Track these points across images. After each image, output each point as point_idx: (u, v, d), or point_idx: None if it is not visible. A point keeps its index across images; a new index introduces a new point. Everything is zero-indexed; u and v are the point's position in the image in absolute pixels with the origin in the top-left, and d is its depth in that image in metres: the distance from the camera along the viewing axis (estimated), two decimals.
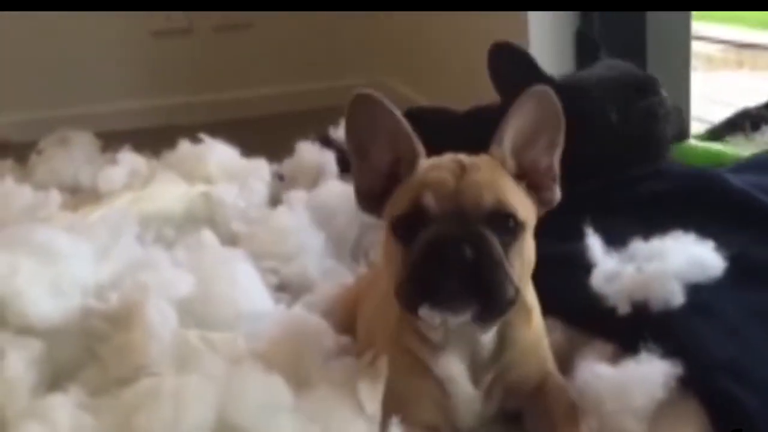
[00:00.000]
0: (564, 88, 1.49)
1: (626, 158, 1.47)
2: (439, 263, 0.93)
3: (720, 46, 3.51)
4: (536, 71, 1.52)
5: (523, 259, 0.99)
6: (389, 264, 1.01)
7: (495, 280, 0.94)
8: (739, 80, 3.26)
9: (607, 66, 1.59)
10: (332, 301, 1.43)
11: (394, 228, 0.99)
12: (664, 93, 1.51)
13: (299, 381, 1.14)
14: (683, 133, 1.54)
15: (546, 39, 2.17)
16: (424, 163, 1.03)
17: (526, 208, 1.01)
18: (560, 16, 2.18)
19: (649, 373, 1.03)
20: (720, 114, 1.92)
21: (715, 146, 1.59)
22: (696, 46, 2.28)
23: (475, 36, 2.53)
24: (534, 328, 1.09)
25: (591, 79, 1.53)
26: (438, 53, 2.86)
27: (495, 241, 0.95)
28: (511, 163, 1.03)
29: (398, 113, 1.03)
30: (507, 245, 0.96)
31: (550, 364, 1.12)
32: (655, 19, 2.04)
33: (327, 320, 1.31)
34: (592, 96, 1.48)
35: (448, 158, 1.03)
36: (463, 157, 1.02)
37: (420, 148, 1.04)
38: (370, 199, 1.08)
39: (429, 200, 0.95)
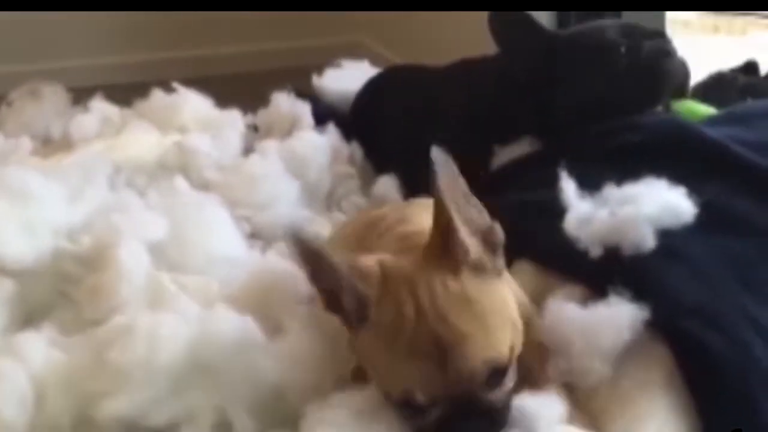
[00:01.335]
0: (571, 36, 1.54)
1: (631, 98, 1.47)
2: None
3: (697, 12, 3.51)
4: (537, 31, 1.54)
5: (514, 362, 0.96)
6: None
7: (502, 425, 0.94)
8: (715, 45, 3.27)
9: (602, 22, 1.62)
10: None
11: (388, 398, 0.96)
12: (670, 40, 1.53)
13: (271, 325, 1.15)
14: (686, 83, 1.54)
15: None
16: (385, 315, 0.94)
17: (502, 316, 0.95)
18: None
19: (617, 316, 1.04)
20: (696, 77, 1.93)
21: (705, 108, 1.59)
22: (673, 12, 2.28)
23: None
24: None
25: (599, 23, 1.56)
26: (417, 13, 2.84)
27: (497, 394, 0.93)
28: (472, 245, 0.95)
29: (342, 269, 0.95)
30: (505, 379, 0.94)
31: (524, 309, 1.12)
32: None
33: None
34: (602, 33, 1.50)
35: (424, 322, 0.91)
36: (432, 308, 0.91)
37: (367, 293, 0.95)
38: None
39: (421, 398, 0.91)
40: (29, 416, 1.07)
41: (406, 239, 1.06)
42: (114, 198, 1.50)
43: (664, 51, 1.49)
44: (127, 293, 1.23)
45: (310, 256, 0.95)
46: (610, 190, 1.19)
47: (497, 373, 0.92)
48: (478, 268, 0.94)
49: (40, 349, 1.14)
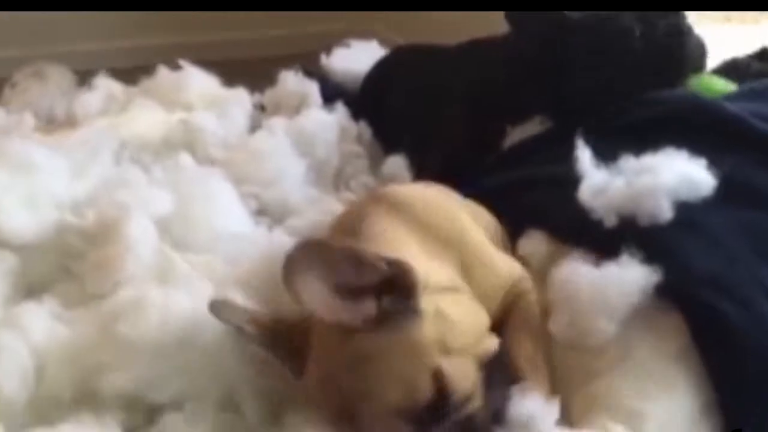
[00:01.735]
0: (584, 17, 1.48)
1: (648, 82, 1.44)
2: None
3: None
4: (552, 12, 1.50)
5: (456, 383, 0.94)
6: None
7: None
8: (728, 34, 3.24)
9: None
10: (320, 229, 1.40)
11: None
12: (686, 23, 1.49)
13: (276, 305, 1.12)
14: (702, 59, 1.51)
15: None
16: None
17: (416, 354, 0.93)
18: None
19: (628, 276, 1.02)
20: (709, 66, 1.91)
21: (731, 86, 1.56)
22: None
23: None
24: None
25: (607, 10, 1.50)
26: None
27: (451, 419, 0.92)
28: (353, 317, 0.93)
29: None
30: (447, 406, 0.92)
31: (513, 277, 1.13)
32: None
33: None
34: (615, 15, 1.46)
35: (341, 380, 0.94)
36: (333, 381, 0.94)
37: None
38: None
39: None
40: (30, 390, 1.05)
41: None
42: (119, 173, 1.47)
43: (680, 30, 1.46)
44: (134, 268, 1.21)
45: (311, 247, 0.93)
46: (627, 161, 1.17)
47: (429, 412, 0.90)
48: (383, 320, 0.92)
49: (41, 322, 1.13)
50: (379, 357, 0.91)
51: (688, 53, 1.47)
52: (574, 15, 1.49)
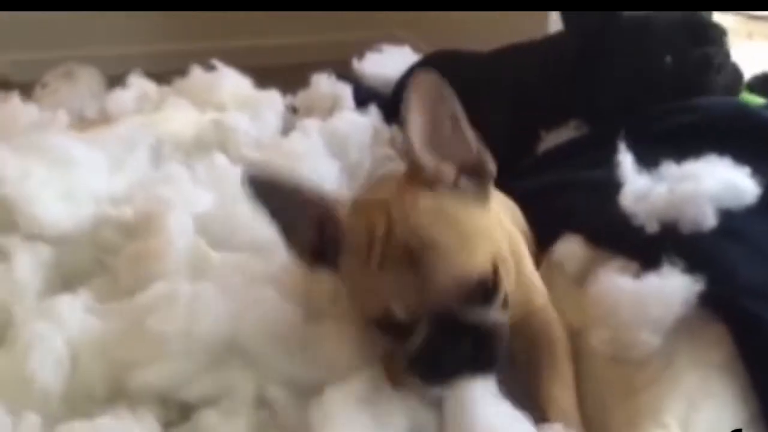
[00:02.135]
0: (625, 26, 1.50)
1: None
2: (437, 363, 0.91)
3: (730, 17, 3.48)
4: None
5: (505, 285, 0.95)
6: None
7: (494, 350, 0.93)
8: (752, 50, 3.23)
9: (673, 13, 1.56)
10: None
11: (371, 325, 0.95)
12: (725, 43, 1.49)
13: (309, 311, 1.12)
14: (736, 89, 1.50)
15: None
16: (359, 237, 0.94)
17: (482, 237, 0.94)
18: None
19: (669, 287, 1.01)
20: None
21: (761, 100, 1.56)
22: None
23: None
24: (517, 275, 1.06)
25: (654, 18, 1.51)
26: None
27: (481, 314, 0.91)
28: (435, 168, 0.95)
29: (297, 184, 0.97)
30: (491, 299, 0.92)
31: (539, 299, 1.11)
32: None
33: None
34: (650, 35, 1.47)
35: (396, 238, 0.91)
36: (408, 225, 0.91)
37: (335, 205, 0.97)
38: (311, 257, 1.01)
39: (399, 312, 0.90)
40: (64, 380, 1.05)
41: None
42: (157, 169, 1.48)
43: (707, 62, 1.45)
44: (172, 262, 1.21)
45: (268, 190, 0.96)
46: (669, 167, 1.15)
47: (478, 292, 0.90)
48: (458, 192, 0.94)
49: (76, 315, 1.13)
50: (456, 218, 0.92)
51: (715, 88, 1.46)
52: (619, 17, 1.49)
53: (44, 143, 1.38)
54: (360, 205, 0.97)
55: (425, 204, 0.92)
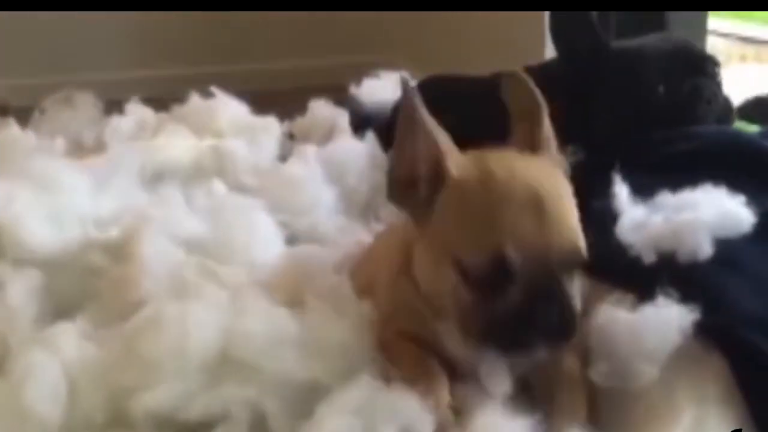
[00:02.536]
0: (619, 54, 1.51)
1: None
2: (526, 327, 0.88)
3: (723, 40, 3.51)
4: (595, 35, 1.52)
5: None
6: (437, 284, 0.94)
7: (574, 329, 0.92)
8: (745, 73, 3.26)
9: (661, 38, 1.58)
10: (351, 260, 1.39)
11: (464, 271, 0.89)
12: (718, 74, 1.50)
13: (301, 310, 1.12)
14: (726, 120, 1.51)
15: None
16: (470, 172, 0.94)
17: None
18: None
19: (665, 317, 1.00)
20: None
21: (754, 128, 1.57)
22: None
23: (489, 16, 2.52)
24: None
25: (645, 49, 1.51)
26: (449, 32, 2.84)
27: (573, 290, 0.91)
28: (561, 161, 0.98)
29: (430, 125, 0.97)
30: (574, 279, 0.92)
31: None
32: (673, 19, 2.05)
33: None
34: (644, 67, 1.47)
35: (518, 178, 0.90)
36: (529, 173, 0.92)
37: (446, 148, 0.97)
38: (404, 189, 0.98)
39: (513, 256, 0.85)
40: (63, 412, 1.04)
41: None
42: (147, 194, 1.48)
43: (698, 94, 1.45)
44: (151, 284, 1.21)
45: (408, 112, 0.96)
46: (665, 197, 1.16)
47: (579, 261, 0.89)
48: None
49: (72, 342, 1.12)
50: (565, 185, 0.97)
51: (705, 118, 1.46)
52: (614, 46, 1.50)
53: (30, 168, 1.38)
54: (474, 155, 0.97)
55: (542, 164, 0.94)
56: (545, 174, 0.92)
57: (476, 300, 0.89)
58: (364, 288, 1.23)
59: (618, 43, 1.55)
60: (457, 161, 0.95)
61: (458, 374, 1.00)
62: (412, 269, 1.01)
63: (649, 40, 1.57)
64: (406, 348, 1.04)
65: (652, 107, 1.45)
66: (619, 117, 1.47)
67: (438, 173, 0.93)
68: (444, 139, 0.97)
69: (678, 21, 2.06)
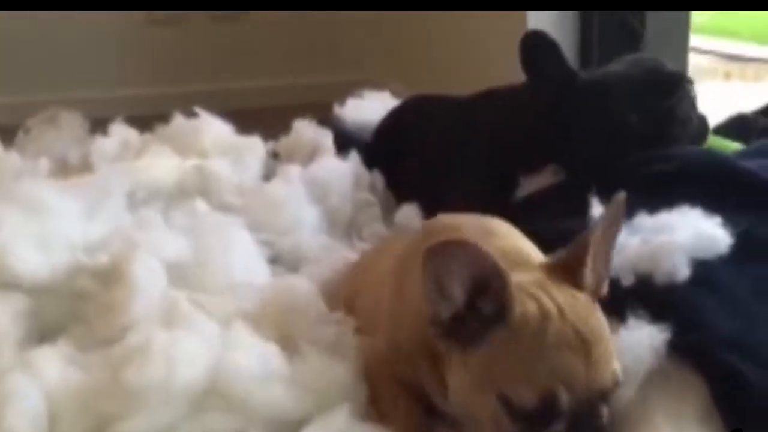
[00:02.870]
0: (587, 85, 1.51)
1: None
2: None
3: (708, 57, 3.54)
4: (564, 64, 1.53)
5: None
6: (474, 407, 0.95)
7: None
8: (729, 91, 3.28)
9: (632, 62, 1.57)
10: (335, 278, 1.41)
11: (510, 403, 0.90)
12: (690, 92, 1.50)
13: (289, 347, 1.13)
14: (702, 138, 1.53)
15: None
16: (529, 311, 0.91)
17: None
18: (560, 17, 2.18)
19: (636, 338, 1.02)
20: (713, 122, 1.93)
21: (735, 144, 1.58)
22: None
23: (473, 32, 2.54)
24: None
25: (614, 77, 1.52)
26: (435, 49, 2.85)
27: (606, 415, 0.92)
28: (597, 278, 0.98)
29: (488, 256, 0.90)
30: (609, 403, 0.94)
31: None
32: (653, 32, 2.07)
33: (327, 296, 1.30)
34: (614, 96, 1.48)
35: (569, 321, 0.91)
36: (579, 315, 0.92)
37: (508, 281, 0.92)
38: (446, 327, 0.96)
39: (563, 397, 0.88)
40: None
41: (507, 254, 1.01)
42: (132, 216, 1.48)
43: (671, 117, 1.47)
44: (140, 311, 1.20)
45: (459, 245, 0.91)
46: (643, 219, 1.17)
47: (615, 390, 0.92)
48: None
49: (55, 367, 1.12)
50: (602, 319, 0.96)
51: (681, 139, 1.48)
52: (580, 77, 1.50)
53: (18, 192, 1.38)
54: (519, 285, 0.94)
55: (584, 301, 0.94)
56: (591, 314, 0.94)
57: (519, 430, 0.91)
58: (348, 301, 1.27)
59: (588, 74, 1.55)
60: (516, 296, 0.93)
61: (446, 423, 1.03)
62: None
63: (619, 67, 1.57)
64: (397, 393, 1.07)
65: (626, 136, 1.46)
66: (594, 144, 1.48)
67: (498, 308, 0.92)
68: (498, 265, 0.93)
69: (658, 38, 2.08)
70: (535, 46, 1.53)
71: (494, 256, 0.90)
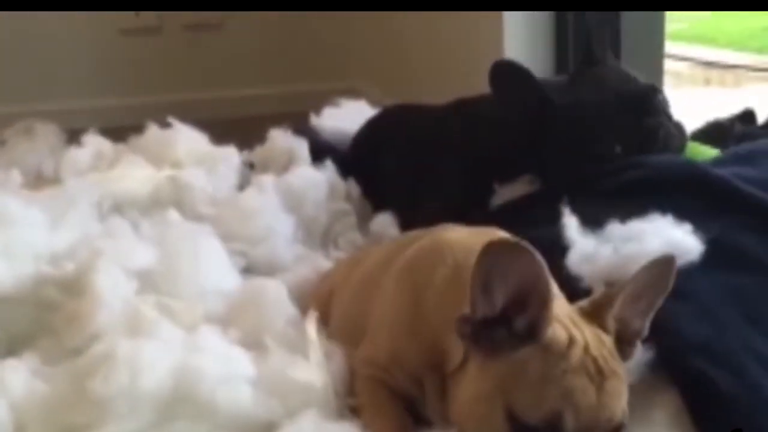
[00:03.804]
0: (564, 112, 1.48)
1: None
2: None
3: (687, 64, 3.57)
4: (538, 90, 1.50)
5: None
6: (476, 416, 0.94)
7: None
8: (708, 97, 3.30)
9: (599, 85, 1.53)
10: (308, 288, 1.41)
11: (514, 418, 0.90)
12: (663, 103, 1.49)
13: (257, 346, 1.13)
14: (682, 148, 1.52)
15: (521, 40, 2.17)
16: (558, 335, 0.91)
17: None
18: (536, 17, 2.19)
19: None
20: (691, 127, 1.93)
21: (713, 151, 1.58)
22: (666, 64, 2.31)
23: (450, 39, 2.54)
24: None
25: (590, 107, 1.49)
26: (412, 57, 2.86)
27: None
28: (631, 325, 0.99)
29: (542, 269, 0.90)
30: None
31: None
32: (629, 36, 2.07)
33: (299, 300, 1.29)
34: (594, 125, 1.46)
35: (591, 354, 0.91)
36: (600, 350, 0.93)
37: (550, 301, 0.91)
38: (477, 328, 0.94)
39: (569, 421, 0.88)
40: None
41: None
42: (98, 226, 1.47)
43: (653, 138, 1.44)
44: (104, 320, 1.19)
45: (520, 250, 0.90)
46: (614, 227, 1.17)
47: (618, 427, 0.91)
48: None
49: (21, 379, 1.10)
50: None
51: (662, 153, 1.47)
52: (555, 100, 1.49)
53: None
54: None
55: (607, 341, 0.94)
56: (612, 354, 0.94)
57: None
58: (322, 306, 1.26)
59: (562, 100, 1.50)
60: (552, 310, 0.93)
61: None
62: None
63: (590, 93, 1.52)
64: (388, 402, 1.06)
65: (609, 161, 1.44)
66: (573, 166, 1.47)
67: (531, 325, 0.92)
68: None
69: (632, 47, 2.09)
70: (505, 74, 1.51)
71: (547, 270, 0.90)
